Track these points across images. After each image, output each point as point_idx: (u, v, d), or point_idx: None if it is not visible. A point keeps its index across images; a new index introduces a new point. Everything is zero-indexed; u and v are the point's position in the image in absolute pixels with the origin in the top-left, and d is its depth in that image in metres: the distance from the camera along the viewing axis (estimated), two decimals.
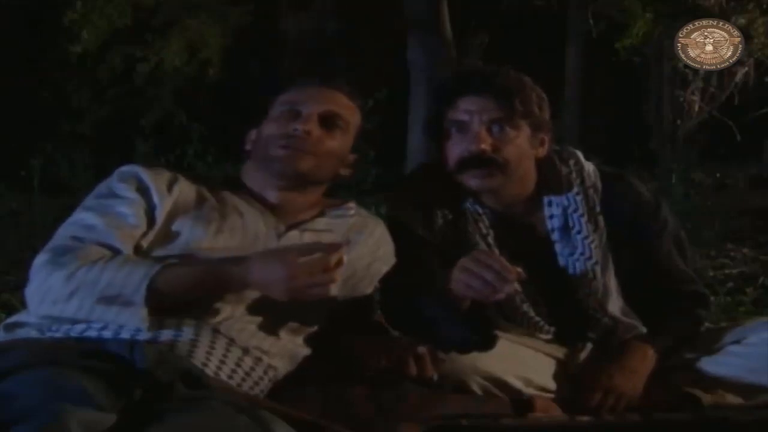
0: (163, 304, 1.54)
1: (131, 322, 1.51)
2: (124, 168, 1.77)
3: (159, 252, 1.65)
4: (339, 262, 1.52)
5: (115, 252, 1.60)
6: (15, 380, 1.24)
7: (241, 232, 1.72)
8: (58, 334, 1.54)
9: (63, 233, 1.65)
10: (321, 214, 1.84)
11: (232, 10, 9.64)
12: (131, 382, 1.28)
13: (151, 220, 1.69)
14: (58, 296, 1.54)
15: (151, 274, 1.52)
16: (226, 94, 9.72)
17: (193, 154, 6.34)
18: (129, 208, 1.68)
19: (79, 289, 1.53)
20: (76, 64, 9.21)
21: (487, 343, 1.77)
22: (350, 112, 1.87)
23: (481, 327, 1.79)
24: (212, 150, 6.24)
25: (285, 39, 10.62)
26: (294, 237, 1.77)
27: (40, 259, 1.60)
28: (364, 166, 6.63)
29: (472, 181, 1.91)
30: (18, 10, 9.46)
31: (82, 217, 1.68)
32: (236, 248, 1.67)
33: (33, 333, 1.56)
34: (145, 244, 1.66)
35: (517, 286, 1.91)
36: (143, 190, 1.71)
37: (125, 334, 1.52)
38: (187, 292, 1.56)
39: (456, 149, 1.92)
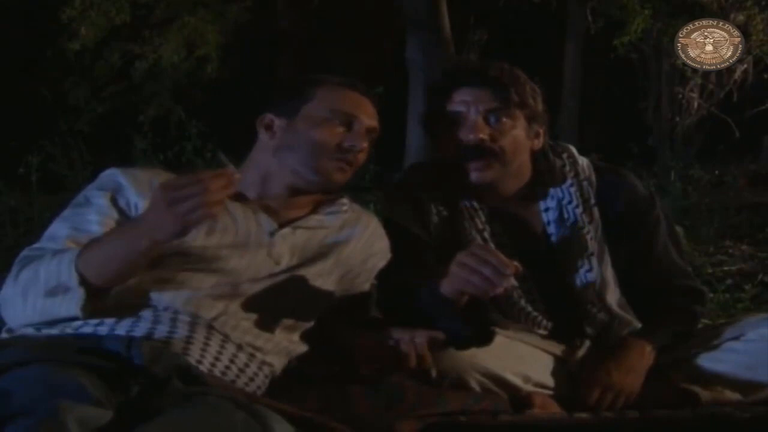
0: (101, 282, 1.51)
1: (72, 308, 1.49)
2: (106, 172, 1.76)
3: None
4: (225, 186, 1.43)
5: None
6: (12, 377, 1.24)
7: (233, 230, 1.70)
8: (54, 331, 1.54)
9: (33, 245, 1.66)
10: (313, 211, 1.82)
11: (231, 7, 9.63)
12: (128, 379, 1.28)
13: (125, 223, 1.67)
14: (14, 303, 1.56)
15: (74, 257, 1.50)
16: (225, 90, 9.71)
17: (191, 151, 6.33)
18: (97, 216, 1.67)
19: (27, 290, 1.54)
20: (74, 61, 9.20)
21: (484, 339, 1.77)
22: (378, 125, 1.85)
23: (478, 323, 1.79)
24: (210, 146, 6.23)
25: (283, 36, 10.62)
26: (286, 234, 1.75)
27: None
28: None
29: (472, 174, 1.92)
30: (16, 7, 9.44)
31: (55, 227, 1.68)
32: (229, 246, 1.67)
33: (29, 331, 1.56)
34: None
35: (514, 281, 1.92)
36: (119, 194, 1.70)
37: (120, 330, 1.52)
38: (108, 264, 1.51)
39: (454, 140, 1.92)
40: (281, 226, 1.76)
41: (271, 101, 1.84)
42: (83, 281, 1.49)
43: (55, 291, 1.51)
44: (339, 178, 1.78)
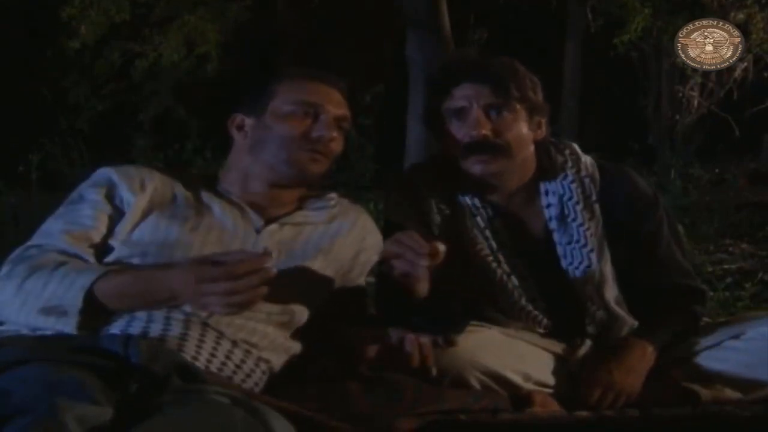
0: (112, 307, 1.55)
1: (67, 329, 1.52)
2: (99, 170, 1.78)
3: (135, 249, 1.65)
4: (256, 285, 1.46)
5: (70, 256, 1.61)
6: (11, 376, 1.24)
7: (218, 228, 1.71)
8: (48, 331, 1.54)
9: (27, 242, 1.67)
10: (300, 206, 1.83)
11: (231, 6, 9.63)
12: (127, 378, 1.28)
13: (118, 220, 1.69)
14: (11, 306, 1.57)
15: (86, 286, 1.52)
16: (225, 89, 9.70)
17: (192, 149, 6.33)
18: (91, 210, 1.69)
19: (27, 299, 1.55)
20: (74, 60, 9.20)
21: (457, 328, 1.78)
22: (348, 112, 1.86)
23: (449, 317, 1.80)
24: (210, 145, 6.23)
25: (283, 36, 10.61)
26: (273, 231, 1.76)
27: (2, 270, 1.62)
28: (362, 162, 6.62)
29: (476, 167, 1.91)
30: (16, 7, 9.44)
31: (49, 224, 1.70)
32: (213, 243, 1.68)
33: (24, 331, 1.57)
34: (116, 242, 1.66)
35: (515, 281, 1.93)
36: (113, 192, 1.72)
37: (116, 329, 1.53)
38: (123, 299, 1.55)
39: (457, 136, 1.92)
40: (267, 222, 1.77)
41: (239, 101, 1.86)
42: (88, 304, 1.51)
43: (51, 311, 1.52)
44: (315, 169, 1.78)
